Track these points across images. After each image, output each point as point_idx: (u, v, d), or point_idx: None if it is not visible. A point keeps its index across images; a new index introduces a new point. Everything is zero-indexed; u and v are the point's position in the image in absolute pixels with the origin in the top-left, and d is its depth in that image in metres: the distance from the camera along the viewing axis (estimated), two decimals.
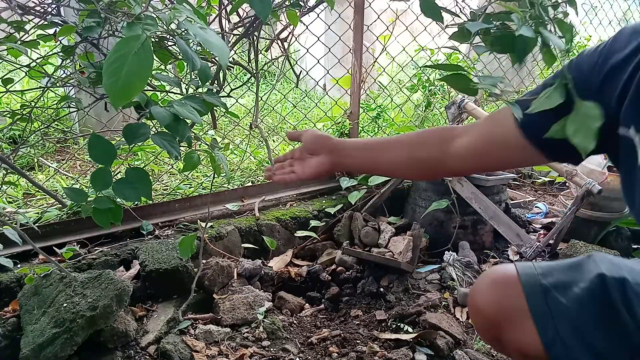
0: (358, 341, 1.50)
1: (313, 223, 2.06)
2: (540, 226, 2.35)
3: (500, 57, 3.04)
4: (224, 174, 1.16)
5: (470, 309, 0.97)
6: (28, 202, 2.00)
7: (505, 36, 0.70)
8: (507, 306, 0.85)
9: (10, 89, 1.27)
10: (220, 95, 1.26)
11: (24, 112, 1.29)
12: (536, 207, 2.57)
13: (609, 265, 0.81)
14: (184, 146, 1.13)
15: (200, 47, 1.16)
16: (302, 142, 1.08)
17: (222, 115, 2.43)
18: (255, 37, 1.31)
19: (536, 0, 0.69)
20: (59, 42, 1.21)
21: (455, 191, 2.00)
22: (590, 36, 3.98)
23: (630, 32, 0.70)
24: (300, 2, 1.24)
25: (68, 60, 1.21)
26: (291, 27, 1.48)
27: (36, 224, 1.62)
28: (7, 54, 1.20)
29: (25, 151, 2.43)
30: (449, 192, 2.00)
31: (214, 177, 1.90)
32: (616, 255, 1.83)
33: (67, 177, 2.27)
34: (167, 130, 0.89)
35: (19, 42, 1.14)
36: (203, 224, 1.76)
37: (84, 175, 2.28)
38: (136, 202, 1.94)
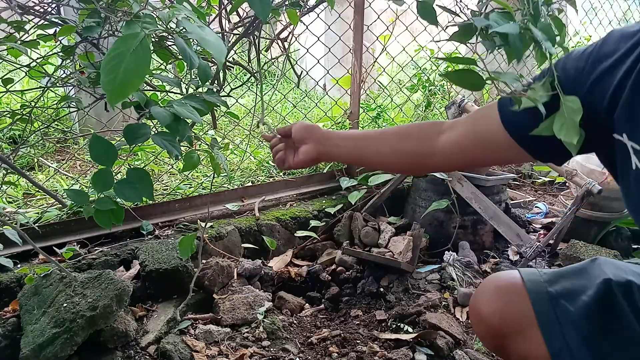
0: (358, 341, 1.50)
1: (313, 223, 2.06)
2: (540, 226, 2.35)
3: (499, 56, 3.04)
4: (224, 174, 1.16)
5: (473, 318, 0.95)
6: (28, 202, 2.00)
7: (502, 33, 0.69)
8: (512, 315, 0.84)
9: (10, 89, 1.27)
10: (221, 95, 1.26)
11: (24, 112, 1.29)
12: (536, 207, 2.57)
13: (614, 270, 0.80)
14: (184, 146, 1.13)
15: (200, 47, 1.17)
16: (292, 134, 1.06)
17: (222, 116, 2.43)
18: (256, 36, 1.31)
19: None
20: (59, 42, 1.21)
21: (455, 191, 2.00)
22: (590, 36, 3.98)
23: (619, 36, 0.70)
24: (300, 2, 1.24)
25: (68, 60, 1.21)
26: (291, 26, 1.48)
27: (36, 224, 1.62)
28: (7, 54, 1.20)
29: (25, 151, 2.43)
30: (449, 192, 2.00)
31: (213, 177, 1.90)
32: (616, 255, 1.84)
33: (67, 177, 2.27)
34: (167, 130, 0.89)
35: (19, 42, 1.14)
36: (203, 224, 1.76)
37: (84, 176, 2.28)
38: (136, 202, 1.94)
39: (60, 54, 1.20)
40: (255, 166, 2.53)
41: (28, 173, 2.26)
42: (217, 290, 1.62)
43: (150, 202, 1.95)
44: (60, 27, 1.08)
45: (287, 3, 1.19)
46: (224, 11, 1.36)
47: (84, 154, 2.55)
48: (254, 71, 1.46)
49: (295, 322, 1.62)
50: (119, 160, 2.25)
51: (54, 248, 1.66)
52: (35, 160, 2.44)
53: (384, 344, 1.47)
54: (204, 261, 1.61)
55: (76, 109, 1.26)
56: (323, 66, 2.59)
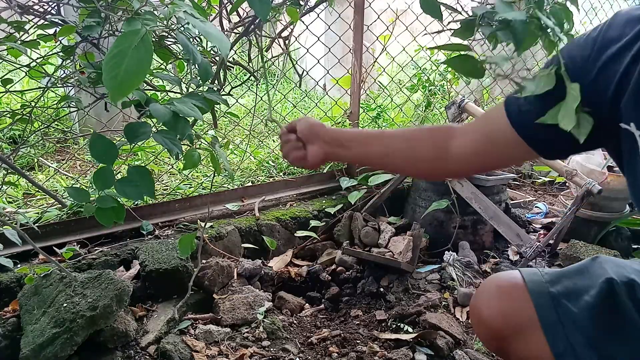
0: (358, 341, 1.49)
1: (313, 223, 2.06)
2: (540, 226, 2.35)
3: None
4: (226, 172, 1.15)
5: (473, 319, 0.94)
6: (28, 202, 2.00)
7: (504, 21, 0.69)
8: (514, 316, 0.83)
9: (10, 89, 1.27)
10: (221, 94, 1.25)
11: (24, 112, 1.29)
12: (536, 207, 2.57)
13: (616, 268, 0.79)
14: (185, 144, 1.13)
15: (201, 47, 1.17)
16: (297, 131, 1.03)
17: (222, 116, 2.43)
18: (258, 34, 1.31)
19: None
20: (59, 42, 1.21)
21: (455, 191, 2.00)
22: None
23: (625, 19, 0.68)
24: (300, 1, 1.24)
25: (68, 60, 1.21)
26: (292, 25, 1.48)
27: (36, 224, 1.62)
28: (7, 54, 1.20)
29: (25, 151, 2.43)
30: (449, 192, 2.00)
31: (214, 177, 1.90)
32: (616, 255, 1.84)
33: (67, 177, 2.26)
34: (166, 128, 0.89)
35: (19, 42, 1.14)
36: (203, 224, 1.76)
37: (84, 175, 2.28)
38: (136, 202, 1.94)
39: (60, 54, 1.20)
40: (255, 166, 2.53)
41: (28, 173, 2.26)
42: (217, 290, 1.62)
43: (151, 202, 1.95)
44: (60, 27, 1.08)
45: (287, 3, 1.19)
46: (224, 11, 1.36)
47: (84, 154, 2.55)
48: (254, 71, 1.46)
49: (295, 322, 1.62)
50: (120, 161, 2.25)
51: (54, 248, 1.66)
52: (35, 160, 2.43)
53: (384, 344, 1.46)
54: (203, 261, 1.61)
55: (76, 109, 1.25)
56: (323, 66, 2.59)
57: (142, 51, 0.61)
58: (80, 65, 1.18)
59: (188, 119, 0.92)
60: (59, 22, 1.10)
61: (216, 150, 1.16)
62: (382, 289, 1.78)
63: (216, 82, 1.28)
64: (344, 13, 2.36)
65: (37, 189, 2.01)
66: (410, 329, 1.52)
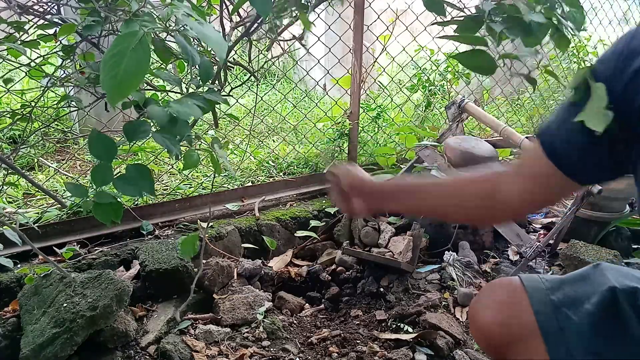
0: (358, 341, 1.49)
1: (313, 223, 2.06)
2: (540, 226, 2.35)
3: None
4: (226, 172, 1.15)
5: (472, 326, 0.93)
6: (28, 202, 2.00)
7: (515, 19, 0.67)
8: (513, 323, 0.82)
9: (10, 89, 1.27)
10: (221, 94, 1.25)
11: (24, 112, 1.29)
12: None
13: (618, 276, 0.78)
14: (185, 145, 1.13)
15: (201, 48, 1.16)
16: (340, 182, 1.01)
17: (221, 116, 2.43)
18: (263, 34, 1.30)
19: None
20: (59, 42, 1.21)
21: None
22: (590, 36, 3.97)
23: None
24: (307, 4, 1.23)
25: (68, 60, 1.21)
26: (291, 26, 1.48)
27: (36, 224, 1.62)
28: (7, 54, 1.20)
29: (25, 151, 2.43)
30: None
31: (214, 177, 1.90)
32: (616, 255, 1.83)
33: (67, 177, 2.26)
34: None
35: (19, 42, 1.14)
36: (203, 224, 1.76)
37: (84, 175, 2.28)
38: (136, 202, 1.94)
39: (60, 54, 1.20)
40: (255, 166, 2.53)
41: (28, 173, 2.26)
42: (217, 290, 1.62)
43: (151, 202, 1.95)
44: (60, 27, 1.08)
45: (295, 13, 1.18)
46: (225, 11, 1.36)
47: (84, 154, 2.55)
48: (254, 71, 1.45)
49: (295, 322, 1.62)
50: (120, 161, 2.25)
51: (54, 248, 1.66)
52: (35, 160, 2.43)
53: (384, 344, 1.46)
54: (204, 261, 1.61)
55: (76, 109, 1.25)
56: (323, 66, 2.59)
57: (140, 53, 0.61)
58: (80, 65, 1.18)
59: (187, 120, 0.92)
60: (59, 22, 1.10)
61: (217, 151, 1.16)
62: (382, 289, 1.78)
63: (217, 82, 1.28)
64: (344, 13, 2.35)
65: (37, 189, 2.01)
66: (410, 329, 1.52)
